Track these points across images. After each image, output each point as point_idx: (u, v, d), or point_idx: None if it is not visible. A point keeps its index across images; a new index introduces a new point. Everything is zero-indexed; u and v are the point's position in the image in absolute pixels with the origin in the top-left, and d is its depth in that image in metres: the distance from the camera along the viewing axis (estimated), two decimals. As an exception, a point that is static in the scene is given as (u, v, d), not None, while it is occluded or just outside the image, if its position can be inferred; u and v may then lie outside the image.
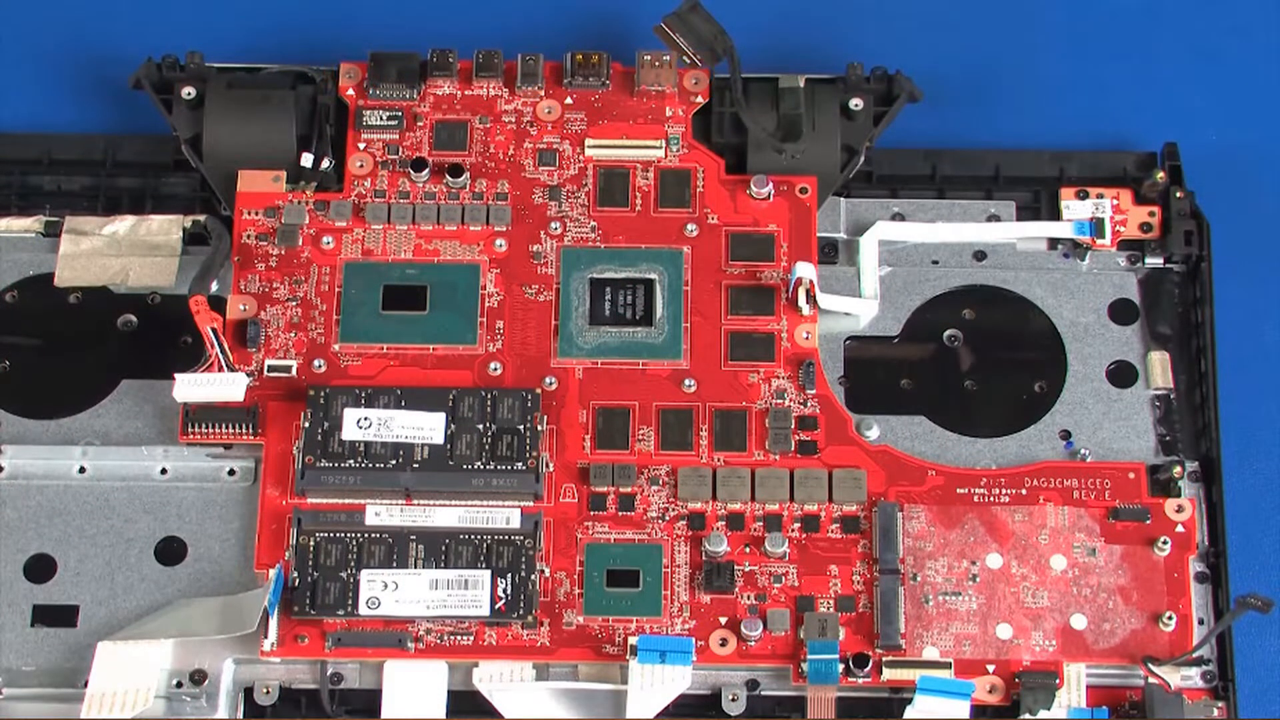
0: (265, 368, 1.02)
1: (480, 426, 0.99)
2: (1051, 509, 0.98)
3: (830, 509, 0.99)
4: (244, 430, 1.00)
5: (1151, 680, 0.96)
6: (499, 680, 0.97)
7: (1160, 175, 1.05)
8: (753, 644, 0.97)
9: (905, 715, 0.95)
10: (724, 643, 0.97)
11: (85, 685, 0.96)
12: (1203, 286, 1.03)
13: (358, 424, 0.99)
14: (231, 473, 1.01)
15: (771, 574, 0.98)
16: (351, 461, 0.98)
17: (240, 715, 0.97)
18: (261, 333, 1.02)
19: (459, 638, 0.97)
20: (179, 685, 0.97)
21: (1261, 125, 1.12)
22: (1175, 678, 0.96)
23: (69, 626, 0.98)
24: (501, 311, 1.03)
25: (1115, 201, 1.05)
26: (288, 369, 1.02)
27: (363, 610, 0.96)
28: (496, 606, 0.96)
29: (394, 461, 0.98)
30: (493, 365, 1.02)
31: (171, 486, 1.01)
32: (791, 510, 0.99)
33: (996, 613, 0.97)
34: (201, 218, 1.06)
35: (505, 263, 1.04)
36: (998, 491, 0.99)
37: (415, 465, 0.98)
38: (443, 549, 0.98)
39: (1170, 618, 0.96)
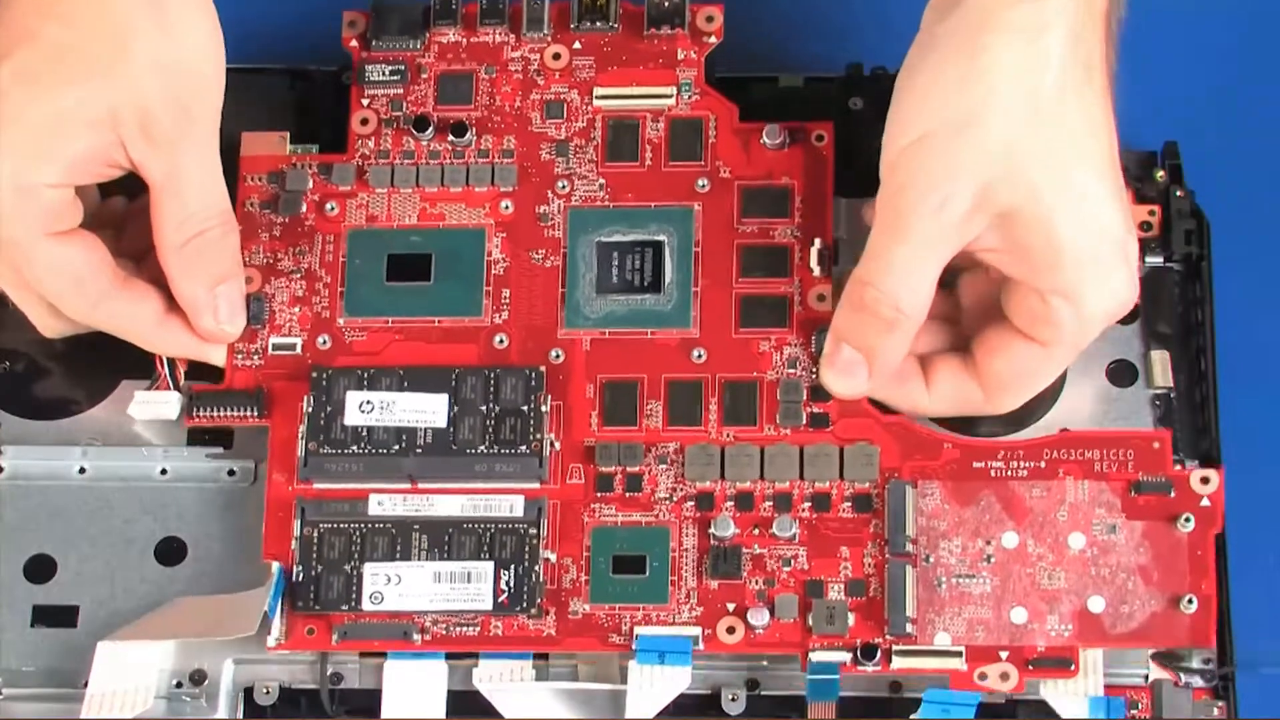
0: (270, 346, 1.00)
1: (483, 408, 0.97)
2: (1071, 483, 0.95)
3: (842, 487, 0.96)
4: (249, 413, 0.99)
5: (1157, 676, 0.94)
6: (499, 680, 0.96)
7: (1160, 175, 1.02)
8: (760, 632, 0.95)
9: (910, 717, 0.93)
10: (731, 630, 0.95)
11: (85, 686, 0.96)
12: (1203, 286, 1.01)
13: (360, 408, 0.97)
14: (231, 473, 1.01)
15: (780, 557, 0.96)
16: (354, 448, 0.97)
17: (240, 715, 0.97)
18: (265, 308, 1.00)
19: (464, 629, 0.96)
20: (179, 685, 0.97)
21: (1261, 125, 1.10)
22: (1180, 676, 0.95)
23: (69, 627, 0.99)
24: (508, 279, 1.00)
25: (1115, 201, 1.02)
26: (292, 347, 1.00)
27: (366, 605, 0.96)
28: (499, 600, 0.95)
29: (396, 447, 0.97)
30: (498, 338, 0.99)
31: (171, 486, 1.01)
32: (802, 489, 0.96)
33: (1011, 595, 0.94)
34: None
35: (511, 226, 1.01)
36: (1016, 465, 0.95)
37: (418, 450, 0.97)
38: (446, 539, 0.96)
39: (1191, 600, 0.93)
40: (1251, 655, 0.98)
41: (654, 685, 0.94)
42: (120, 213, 1.02)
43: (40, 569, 1.00)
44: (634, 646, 0.94)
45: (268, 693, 0.97)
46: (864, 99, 1.04)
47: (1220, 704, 0.95)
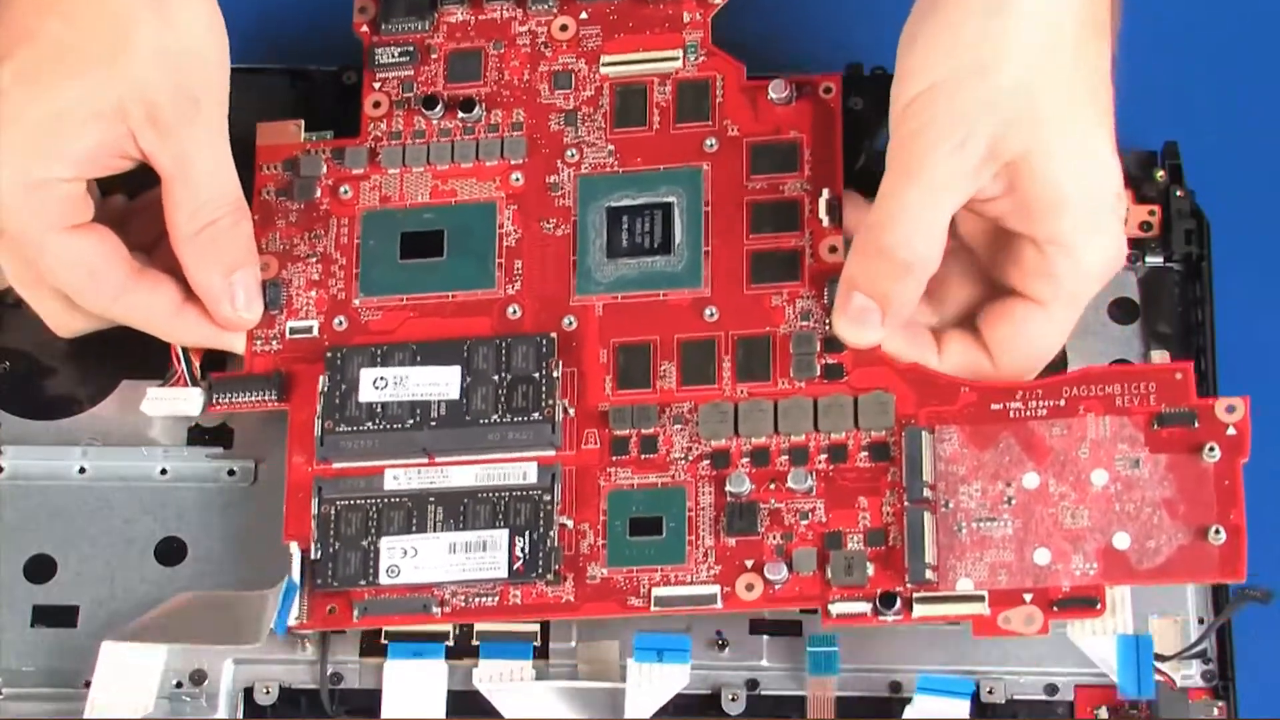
0: (287, 330, 1.00)
1: (495, 377, 0.96)
2: (1092, 419, 0.92)
3: (858, 436, 0.94)
4: (269, 397, 0.99)
5: (1155, 678, 0.92)
6: (499, 680, 0.95)
7: (1160, 175, 1.02)
8: (779, 588, 0.93)
9: (905, 715, 0.92)
10: (750, 588, 0.93)
11: (85, 685, 0.96)
12: (1203, 286, 1.01)
13: (374, 384, 0.97)
14: (231, 473, 1.01)
15: (798, 511, 0.94)
16: (369, 424, 0.97)
17: (240, 715, 0.97)
18: (282, 294, 1.00)
19: (483, 599, 0.95)
20: (179, 685, 0.97)
21: (1261, 125, 1.10)
22: (1177, 675, 0.93)
23: (69, 627, 0.99)
24: (520, 250, 1.00)
25: (1115, 202, 1.02)
26: (309, 330, 1.00)
27: (383, 579, 0.95)
28: (514, 568, 0.94)
29: (411, 421, 0.96)
30: (511, 309, 0.99)
31: (171, 486, 1.01)
32: (818, 441, 0.95)
33: (1034, 537, 0.91)
34: None
35: (522, 197, 1.00)
36: (1035, 404, 0.93)
37: (432, 423, 0.96)
38: (461, 509, 0.96)
39: (1219, 531, 0.90)
40: (1251, 655, 0.96)
41: (652, 683, 0.93)
42: (121, 210, 1.02)
43: (40, 569, 1.00)
44: (652, 609, 0.93)
45: (268, 693, 0.97)
46: (864, 99, 1.02)
47: (1220, 704, 0.94)
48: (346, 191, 1.01)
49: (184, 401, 0.99)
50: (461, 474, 0.96)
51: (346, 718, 0.97)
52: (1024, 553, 0.91)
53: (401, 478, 0.96)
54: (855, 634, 0.95)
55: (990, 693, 0.95)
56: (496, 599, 0.95)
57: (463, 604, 0.95)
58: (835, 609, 0.92)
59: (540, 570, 0.94)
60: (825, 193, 0.97)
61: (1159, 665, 0.92)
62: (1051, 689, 0.96)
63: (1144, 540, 0.90)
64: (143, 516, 1.00)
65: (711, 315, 0.97)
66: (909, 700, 0.92)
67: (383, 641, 0.97)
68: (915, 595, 0.91)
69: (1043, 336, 0.95)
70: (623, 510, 0.95)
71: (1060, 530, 0.91)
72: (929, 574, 0.91)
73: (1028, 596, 0.91)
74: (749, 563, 0.93)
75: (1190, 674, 0.95)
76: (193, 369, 1.00)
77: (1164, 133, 1.03)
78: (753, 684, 0.96)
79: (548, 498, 0.95)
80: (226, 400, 0.99)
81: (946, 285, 0.97)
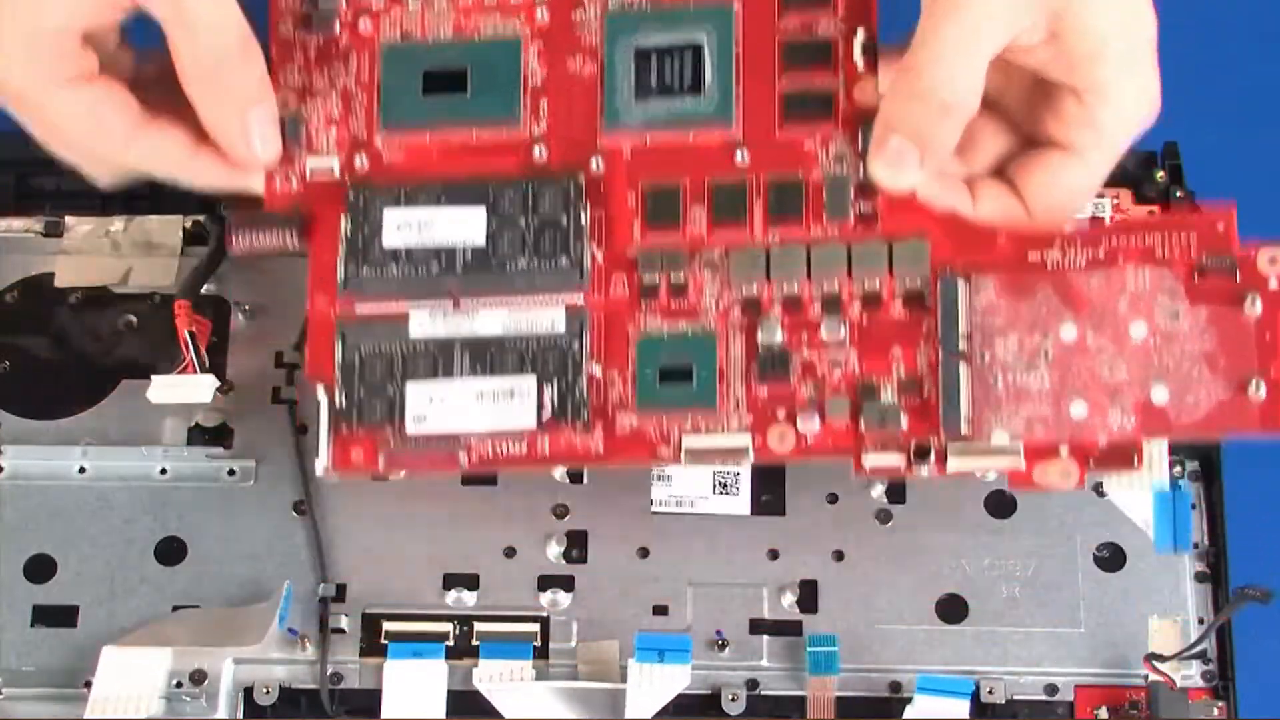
0: (307, 168, 0.98)
1: (522, 221, 0.94)
2: (1131, 270, 0.90)
3: (892, 284, 0.93)
4: (289, 237, 0.97)
5: (1154, 678, 0.92)
6: (499, 680, 0.95)
7: (1160, 175, 1.02)
8: (812, 439, 0.92)
9: (905, 715, 0.92)
10: (782, 438, 0.92)
11: (85, 686, 0.97)
12: None
13: (398, 228, 0.95)
14: (231, 473, 1.01)
15: (831, 360, 0.92)
16: (393, 268, 0.95)
17: (240, 715, 0.97)
18: (302, 130, 0.98)
19: (512, 446, 0.94)
20: (179, 685, 0.97)
21: (1261, 125, 1.11)
22: (1177, 675, 0.94)
23: (69, 627, 0.99)
24: (545, 90, 0.97)
25: (1115, 201, 1.02)
26: (329, 168, 0.98)
27: (410, 427, 0.94)
28: (543, 417, 0.93)
29: (436, 265, 0.95)
30: (537, 149, 0.96)
31: (171, 486, 1.01)
32: (851, 288, 0.93)
33: (1071, 390, 0.90)
34: (201, 218, 1.06)
35: (547, 34, 0.98)
36: (1073, 255, 0.91)
37: (458, 268, 0.94)
38: (488, 356, 0.94)
39: (1259, 385, 0.89)
40: (1252, 655, 0.97)
41: (653, 684, 0.93)
42: (142, 71, 0.99)
43: (40, 569, 1.01)
44: (682, 460, 0.92)
45: (268, 693, 0.97)
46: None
47: (1220, 704, 0.94)
48: (366, 25, 0.99)
49: (193, 388, 0.99)
50: (488, 321, 0.95)
51: (346, 718, 0.97)
52: (1061, 405, 0.90)
53: (427, 324, 0.95)
54: (855, 634, 0.96)
55: (990, 693, 0.96)
56: (525, 448, 0.94)
57: (490, 453, 0.94)
58: (869, 460, 0.91)
59: (570, 418, 0.93)
60: (860, 33, 0.95)
61: (1158, 665, 0.93)
62: (1051, 689, 0.97)
63: (1183, 394, 0.89)
64: (143, 516, 1.01)
65: (742, 158, 0.95)
66: (909, 700, 0.93)
67: (383, 641, 0.98)
68: (950, 447, 0.90)
69: (1079, 184, 0.94)
70: (652, 358, 0.93)
71: (1098, 383, 0.90)
72: (964, 426, 0.90)
73: (1064, 450, 0.90)
74: (781, 413, 0.92)
75: (1190, 674, 0.95)
76: (201, 355, 0.99)
77: (1164, 133, 1.02)
78: (753, 684, 0.97)
79: (576, 345, 0.93)
80: (246, 240, 0.96)
81: (977, 138, 0.95)
